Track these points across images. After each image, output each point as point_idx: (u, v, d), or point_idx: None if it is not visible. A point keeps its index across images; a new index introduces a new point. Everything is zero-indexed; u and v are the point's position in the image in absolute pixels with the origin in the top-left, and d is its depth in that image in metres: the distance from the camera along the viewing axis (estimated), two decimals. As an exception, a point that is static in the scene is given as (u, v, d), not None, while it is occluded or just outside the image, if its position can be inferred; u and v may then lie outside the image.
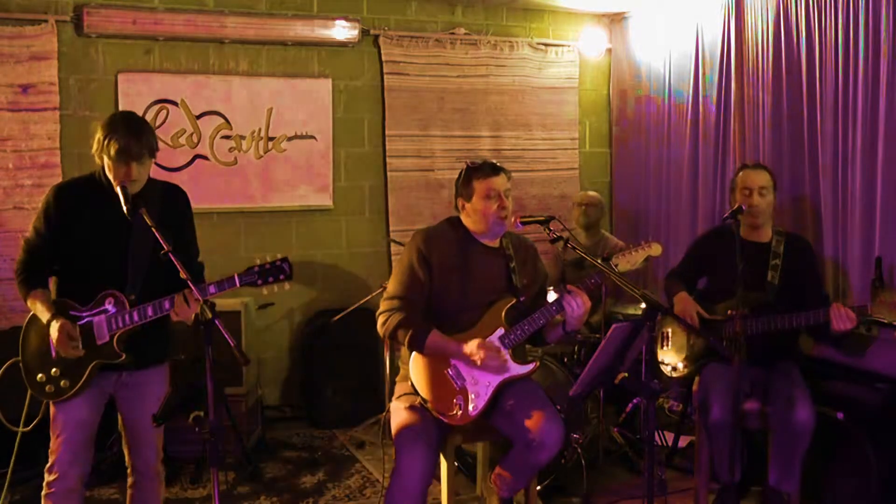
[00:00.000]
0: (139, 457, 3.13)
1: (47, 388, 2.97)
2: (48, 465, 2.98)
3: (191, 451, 4.50)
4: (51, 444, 2.99)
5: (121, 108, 5.15)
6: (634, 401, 4.71)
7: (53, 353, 2.95)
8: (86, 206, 2.98)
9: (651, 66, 6.06)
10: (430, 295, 3.25)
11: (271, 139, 5.57)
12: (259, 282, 2.88)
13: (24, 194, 4.96)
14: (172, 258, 2.69)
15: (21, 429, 3.19)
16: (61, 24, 5.04)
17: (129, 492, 3.18)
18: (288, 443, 5.15)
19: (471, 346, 3.13)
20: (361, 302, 4.98)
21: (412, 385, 3.21)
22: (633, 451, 4.58)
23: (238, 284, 2.88)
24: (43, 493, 2.98)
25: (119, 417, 3.14)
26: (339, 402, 5.42)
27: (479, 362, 3.12)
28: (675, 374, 3.98)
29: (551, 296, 3.48)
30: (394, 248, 5.73)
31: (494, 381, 3.18)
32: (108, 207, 2.94)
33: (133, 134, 2.90)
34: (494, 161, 3.35)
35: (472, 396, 3.16)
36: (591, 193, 5.57)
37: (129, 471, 3.17)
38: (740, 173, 3.89)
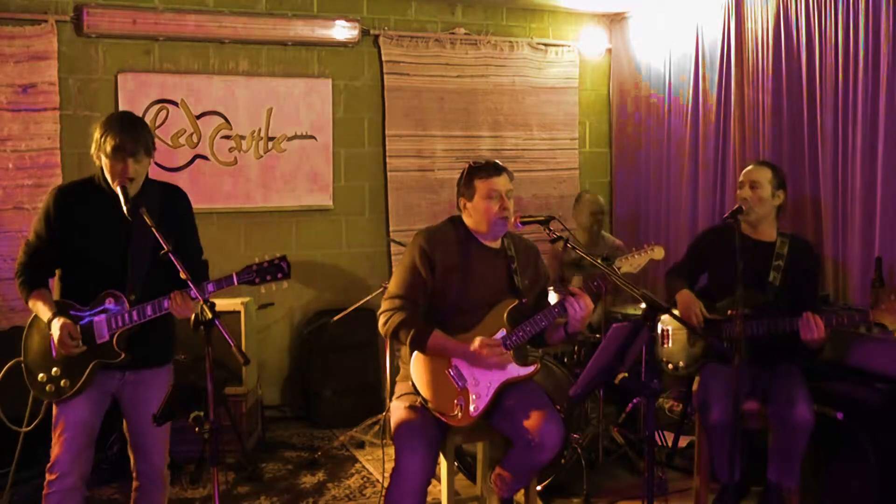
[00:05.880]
0: (145, 460, 3.11)
1: (48, 387, 2.98)
2: (49, 464, 2.98)
3: (191, 451, 4.50)
4: (52, 444, 2.99)
5: (121, 109, 5.14)
6: (634, 401, 4.71)
7: (54, 353, 2.96)
8: (85, 207, 2.99)
9: (651, 66, 6.05)
10: (431, 295, 3.25)
11: (271, 139, 5.56)
12: (257, 280, 2.91)
13: (24, 194, 4.96)
14: (172, 258, 2.70)
15: (24, 428, 3.19)
16: (61, 24, 5.04)
17: (133, 495, 3.16)
18: (288, 443, 5.14)
19: (475, 343, 3.14)
20: (361, 302, 4.98)
21: (413, 385, 3.21)
22: (633, 451, 4.58)
23: (236, 283, 2.92)
24: (44, 492, 2.98)
25: (124, 422, 3.13)
26: (339, 402, 5.41)
27: (485, 355, 3.11)
28: (675, 374, 3.97)
29: (552, 297, 3.48)
30: (394, 247, 5.73)
31: (496, 381, 3.18)
32: (107, 209, 2.95)
33: (128, 130, 2.90)
34: (497, 161, 3.34)
35: (473, 397, 3.16)
36: (600, 199, 5.47)
37: (134, 475, 3.14)
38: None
